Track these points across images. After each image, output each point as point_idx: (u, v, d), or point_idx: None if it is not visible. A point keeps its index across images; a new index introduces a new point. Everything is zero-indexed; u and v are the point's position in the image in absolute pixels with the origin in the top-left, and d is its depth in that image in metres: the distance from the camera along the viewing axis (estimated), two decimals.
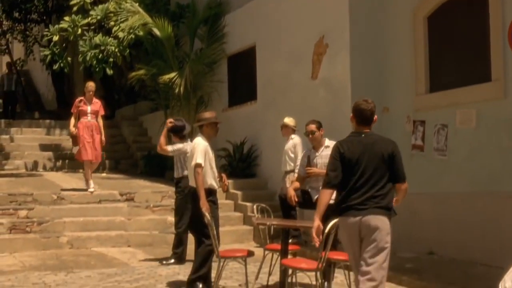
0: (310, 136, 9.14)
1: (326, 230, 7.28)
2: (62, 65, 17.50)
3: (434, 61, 11.19)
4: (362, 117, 6.38)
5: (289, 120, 12.08)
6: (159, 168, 17.01)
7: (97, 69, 16.84)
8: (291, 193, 8.96)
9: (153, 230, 12.51)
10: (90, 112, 13.62)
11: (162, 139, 10.62)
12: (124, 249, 11.81)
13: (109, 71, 16.88)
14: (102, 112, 13.93)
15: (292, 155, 11.78)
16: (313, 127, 9.14)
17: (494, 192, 9.80)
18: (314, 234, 6.37)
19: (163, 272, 9.88)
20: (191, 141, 10.39)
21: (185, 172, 10.33)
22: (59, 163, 18.44)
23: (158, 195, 13.73)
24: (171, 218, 12.75)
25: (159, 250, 11.72)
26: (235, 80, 16.55)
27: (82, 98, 13.81)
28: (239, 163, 15.06)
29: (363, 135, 6.34)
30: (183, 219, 10.35)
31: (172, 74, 15.92)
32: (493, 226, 9.70)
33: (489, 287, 8.16)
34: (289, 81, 13.85)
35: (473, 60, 10.50)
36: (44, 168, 18.33)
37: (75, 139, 13.68)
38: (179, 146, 10.51)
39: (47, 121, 21.57)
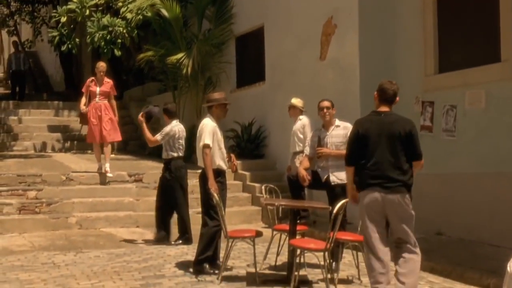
0: (325, 111, 9.04)
1: (334, 211, 7.33)
2: (70, 46, 17.49)
3: (443, 41, 11.14)
4: (385, 96, 6.77)
5: (296, 101, 12.01)
6: None
7: (105, 50, 16.84)
8: (303, 172, 8.93)
9: None
10: (99, 93, 13.41)
11: (148, 135, 10.68)
12: (132, 230, 11.86)
13: (117, 52, 16.88)
14: (114, 93, 13.73)
15: (301, 136, 11.73)
16: (328, 103, 9.09)
17: (503, 172, 9.79)
18: (352, 202, 7.11)
19: (172, 252, 9.92)
20: (180, 121, 10.52)
21: (174, 154, 10.50)
22: (67, 144, 18.50)
23: None
24: None
25: None
26: (243, 61, 16.54)
27: (93, 78, 13.59)
28: (247, 144, 15.07)
29: (382, 115, 6.73)
30: (170, 201, 10.54)
31: (180, 55, 15.91)
32: (502, 206, 9.70)
33: (497, 267, 8.19)
34: (298, 62, 13.83)
35: (482, 40, 10.45)
36: (53, 149, 18.38)
37: (84, 118, 13.60)
38: (166, 130, 10.58)
39: (56, 102, 21.59)
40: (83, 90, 13.64)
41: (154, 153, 17.30)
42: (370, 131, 6.66)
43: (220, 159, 8.55)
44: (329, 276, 7.59)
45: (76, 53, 19.43)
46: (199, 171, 8.76)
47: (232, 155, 9.02)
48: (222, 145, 8.65)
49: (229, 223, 8.74)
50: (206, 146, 8.36)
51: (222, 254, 8.58)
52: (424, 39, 11.36)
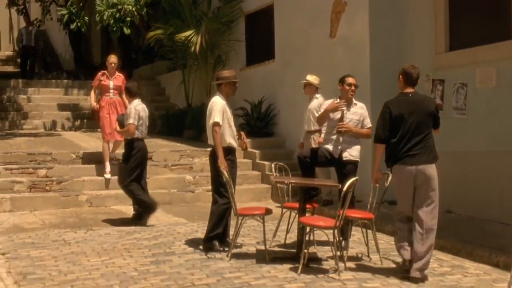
0: (352, 88, 8.89)
1: (344, 188, 7.35)
2: (79, 24, 17.51)
3: (454, 19, 11.07)
4: (411, 79, 7.53)
5: (312, 78, 11.68)
6: (177, 127, 17.06)
7: (114, 29, 16.81)
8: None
9: (171, 189, 12.59)
10: (113, 87, 12.66)
11: (125, 132, 10.40)
12: None
13: (127, 31, 16.87)
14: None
15: (317, 115, 11.57)
16: (354, 80, 8.95)
17: None
18: (374, 182, 7.85)
19: (181, 229, 9.95)
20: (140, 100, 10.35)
21: (138, 135, 10.28)
22: (77, 123, 18.55)
23: (176, 154, 13.78)
24: (189, 177, 12.92)
25: (178, 208, 11.81)
26: (253, 39, 16.48)
27: (104, 72, 12.79)
28: (257, 122, 15.06)
29: (410, 95, 7.49)
30: (133, 178, 10.33)
31: (189, 32, 15.88)
32: None
33: (507, 245, 8.22)
34: (308, 40, 13.76)
35: (493, 18, 10.38)
36: (63, 127, 18.45)
37: (97, 114, 12.95)
38: (132, 112, 10.24)
39: (65, 81, 21.65)
40: (94, 84, 12.96)
41: (164, 131, 17.40)
42: (402, 110, 7.37)
43: (230, 137, 8.55)
44: (338, 253, 7.62)
45: (85, 32, 19.38)
46: (209, 149, 8.76)
47: (242, 133, 9.01)
48: (232, 123, 8.65)
49: (239, 201, 8.74)
50: (216, 124, 8.36)
51: (232, 231, 8.62)
52: (434, 17, 11.29)
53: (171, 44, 17.22)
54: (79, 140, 15.03)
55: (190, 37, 15.76)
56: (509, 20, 9.92)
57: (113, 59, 12.75)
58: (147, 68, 22.34)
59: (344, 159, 8.77)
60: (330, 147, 8.88)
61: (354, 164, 8.79)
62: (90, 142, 15.06)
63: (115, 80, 12.66)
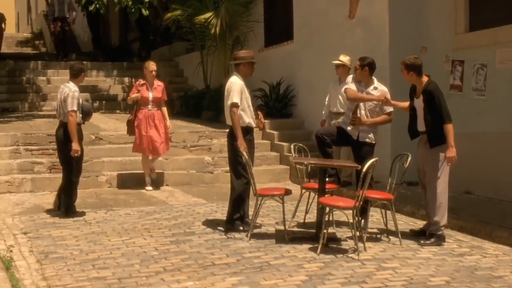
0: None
1: (364, 169, 7.37)
2: (97, 6, 17.49)
3: None
4: (421, 69, 8.16)
5: (346, 59, 11.30)
6: (195, 108, 17.09)
7: (133, 10, 16.84)
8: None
9: (190, 170, 12.64)
10: (152, 99, 11.67)
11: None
12: (162, 188, 11.95)
13: (145, 12, 16.92)
14: (164, 97, 11.99)
15: (352, 96, 11.24)
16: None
17: None
18: (452, 161, 8.05)
19: (201, 210, 10.02)
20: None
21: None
22: (96, 104, 18.58)
23: (195, 135, 13.82)
24: (208, 158, 12.99)
25: (197, 189, 11.88)
26: (271, 19, 16.42)
27: (144, 82, 11.76)
28: (275, 103, 15.05)
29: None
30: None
31: (208, 14, 15.87)
32: None
33: None
34: (326, 20, 13.68)
35: None
36: None
37: (132, 127, 11.83)
38: (74, 96, 9.72)
39: (84, 62, 21.65)
40: (131, 93, 11.92)
41: (182, 112, 17.44)
42: None
43: (249, 117, 8.58)
44: (357, 234, 7.65)
45: (104, 13, 19.39)
46: (227, 130, 8.80)
47: (259, 112, 9.04)
48: (250, 103, 8.67)
49: (258, 181, 8.77)
50: (234, 105, 8.38)
51: (251, 212, 8.67)
52: None
53: (189, 25, 17.20)
54: (98, 122, 15.08)
55: (210, 19, 15.75)
56: None
57: (152, 66, 11.82)
58: (165, 50, 22.36)
59: (361, 140, 8.79)
60: (348, 127, 8.88)
61: (371, 146, 8.80)
62: (109, 123, 15.13)
63: (155, 92, 11.70)
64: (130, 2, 16.66)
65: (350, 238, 7.96)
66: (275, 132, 14.05)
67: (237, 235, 8.34)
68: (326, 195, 8.19)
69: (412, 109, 8.35)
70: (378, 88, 8.89)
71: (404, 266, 7.13)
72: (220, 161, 12.85)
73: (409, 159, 8.20)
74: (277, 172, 13.05)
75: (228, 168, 9.04)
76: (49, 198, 10.88)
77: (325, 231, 7.70)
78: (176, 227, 8.87)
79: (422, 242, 8.05)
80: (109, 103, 18.69)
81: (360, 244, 7.66)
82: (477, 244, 8.14)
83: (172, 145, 12.87)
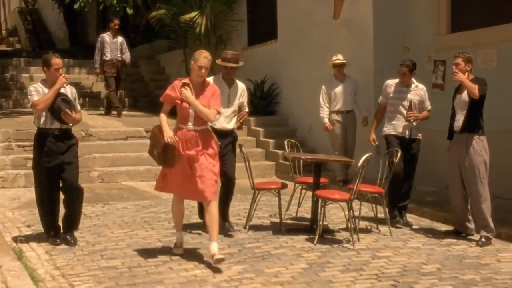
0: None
1: (359, 164, 7.76)
2: (82, 4, 17.62)
3: (456, 1, 11.40)
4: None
5: (343, 57, 11.42)
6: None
7: (118, 9, 17.01)
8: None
9: None
10: (195, 115, 7.26)
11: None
12: (152, 183, 11.94)
13: (130, 11, 17.11)
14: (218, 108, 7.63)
15: (355, 96, 11.48)
16: None
17: None
18: None
19: (195, 204, 10.27)
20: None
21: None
22: (80, 101, 18.61)
23: None
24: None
25: None
26: (254, 19, 16.68)
27: (187, 81, 7.38)
28: (260, 101, 15.35)
29: None
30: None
31: (193, 14, 16.10)
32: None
33: (507, 218, 8.71)
34: (311, 20, 13.96)
35: (495, 0, 10.71)
36: None
37: (158, 143, 7.31)
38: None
39: (66, 60, 21.74)
40: (163, 99, 7.74)
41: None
42: None
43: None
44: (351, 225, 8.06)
45: (88, 11, 19.53)
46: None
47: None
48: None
49: (244, 177, 9.08)
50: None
51: (241, 207, 8.97)
52: None
53: (173, 24, 17.40)
54: (85, 118, 15.22)
55: (195, 18, 15.98)
56: (510, 2, 10.26)
57: (204, 58, 7.30)
58: (145, 47, 22.51)
59: (413, 137, 9.28)
60: (399, 130, 9.26)
61: (419, 142, 9.36)
62: (96, 120, 15.36)
63: (202, 97, 7.36)
64: (115, 1, 16.83)
65: (343, 229, 8.39)
66: (260, 129, 14.40)
67: (235, 227, 8.67)
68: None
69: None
70: (419, 86, 9.43)
71: (397, 255, 7.54)
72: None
73: (399, 154, 8.64)
74: (263, 168, 13.40)
75: None
76: None
77: (320, 223, 8.08)
78: None
79: (480, 243, 8.15)
80: (93, 100, 18.89)
81: (354, 235, 8.06)
82: (463, 235, 8.58)
83: None
